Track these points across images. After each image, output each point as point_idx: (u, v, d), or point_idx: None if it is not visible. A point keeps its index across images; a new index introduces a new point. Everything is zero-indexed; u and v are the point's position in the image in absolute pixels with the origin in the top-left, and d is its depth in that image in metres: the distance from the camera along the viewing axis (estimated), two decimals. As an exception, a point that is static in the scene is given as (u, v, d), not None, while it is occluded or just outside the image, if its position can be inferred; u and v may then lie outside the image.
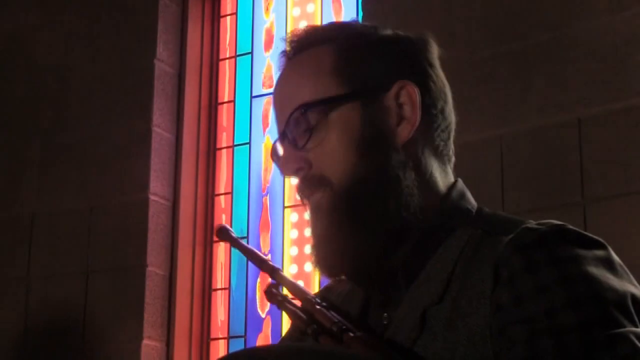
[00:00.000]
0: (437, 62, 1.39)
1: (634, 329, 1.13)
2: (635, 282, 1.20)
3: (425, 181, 1.32)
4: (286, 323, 3.61)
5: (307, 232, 3.58)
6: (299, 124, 1.31)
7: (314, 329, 1.29)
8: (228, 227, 1.49)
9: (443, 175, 1.36)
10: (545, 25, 3.12)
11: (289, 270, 3.60)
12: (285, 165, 1.34)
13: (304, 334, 1.32)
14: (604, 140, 2.97)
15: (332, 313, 1.30)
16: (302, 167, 1.32)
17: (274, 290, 1.40)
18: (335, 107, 1.31)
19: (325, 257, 1.32)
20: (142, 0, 3.95)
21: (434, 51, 1.39)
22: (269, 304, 3.65)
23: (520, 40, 3.14)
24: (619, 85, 2.96)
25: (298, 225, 3.67)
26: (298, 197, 1.36)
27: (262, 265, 1.43)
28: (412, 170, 1.31)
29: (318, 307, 1.32)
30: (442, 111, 1.36)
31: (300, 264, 3.53)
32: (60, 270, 3.81)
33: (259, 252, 1.46)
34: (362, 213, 1.28)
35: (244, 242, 1.48)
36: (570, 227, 1.24)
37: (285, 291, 1.40)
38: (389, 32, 1.39)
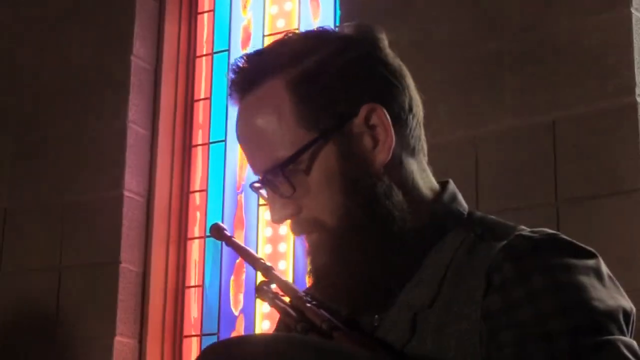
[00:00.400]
0: (389, 55, 1.34)
1: (622, 337, 1.14)
2: (624, 293, 1.20)
3: (410, 190, 1.31)
4: (260, 322, 3.61)
5: (282, 230, 3.59)
6: (277, 178, 1.29)
7: (303, 326, 1.29)
8: (222, 225, 1.48)
9: (423, 175, 1.35)
10: (520, 26, 3.13)
11: (263, 268, 3.60)
12: (275, 214, 1.32)
13: (293, 331, 1.32)
14: (578, 142, 2.98)
15: (322, 311, 1.30)
16: (292, 214, 1.31)
17: (265, 287, 1.40)
18: (309, 154, 1.28)
19: (328, 291, 1.32)
20: (119, -4, 3.94)
21: (385, 46, 1.34)
22: (242, 302, 3.66)
23: (494, 41, 3.15)
24: (593, 87, 2.97)
25: (272, 224, 3.66)
26: (293, 234, 1.36)
27: (256, 263, 1.43)
28: (397, 188, 1.30)
29: (309, 305, 1.32)
30: (410, 108, 1.34)
31: (274, 262, 3.52)
32: (32, 266, 3.79)
33: (252, 251, 1.47)
34: (361, 247, 1.27)
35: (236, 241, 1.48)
36: (563, 236, 1.24)
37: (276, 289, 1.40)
38: (332, 37, 1.34)
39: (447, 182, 1.37)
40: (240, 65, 1.33)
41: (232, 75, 1.33)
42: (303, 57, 1.30)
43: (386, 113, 1.29)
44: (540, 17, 3.10)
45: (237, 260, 3.73)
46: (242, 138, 1.35)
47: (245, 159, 1.37)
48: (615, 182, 2.89)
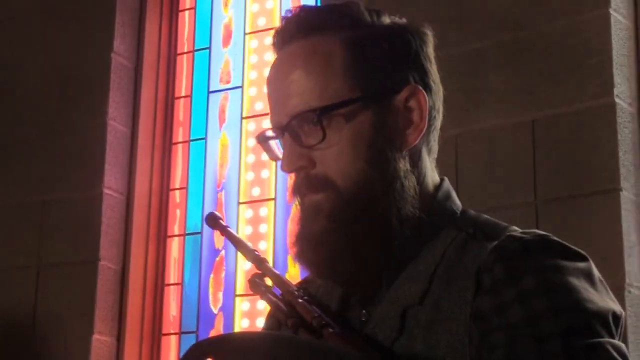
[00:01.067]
0: (433, 57, 1.38)
1: (611, 340, 1.14)
2: (612, 296, 1.21)
3: (420, 183, 1.32)
4: (239, 320, 3.61)
5: (262, 228, 3.59)
6: (307, 123, 1.27)
7: (293, 321, 1.28)
8: (218, 214, 1.47)
9: (433, 175, 1.37)
10: (500, 26, 3.14)
11: (243, 267, 3.60)
12: (288, 161, 1.30)
13: (284, 326, 1.31)
14: (557, 141, 2.99)
15: (314, 307, 1.30)
16: (305, 166, 1.29)
17: (257, 280, 1.39)
18: (346, 110, 1.27)
19: (316, 258, 1.30)
20: (99, -8, 3.92)
21: (432, 43, 1.38)
22: (221, 300, 3.65)
23: (474, 41, 3.16)
24: (572, 88, 2.98)
25: (252, 222, 3.67)
26: (293, 194, 1.33)
27: (249, 255, 1.42)
28: (413, 175, 1.30)
29: (300, 300, 1.31)
30: (439, 111, 1.37)
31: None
32: (11, 264, 3.77)
33: (246, 242, 1.45)
34: (364, 219, 1.27)
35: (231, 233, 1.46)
36: (554, 238, 1.24)
37: (269, 282, 1.39)
38: (388, 20, 1.37)
39: (442, 180, 1.38)
40: (297, 13, 1.33)
41: (284, 22, 1.33)
42: (363, 25, 1.33)
43: (427, 99, 1.32)
44: (520, 17, 3.11)
45: (217, 258, 3.73)
46: (279, 81, 1.32)
47: (269, 107, 1.35)
48: (594, 182, 2.90)
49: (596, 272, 1.22)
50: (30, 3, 4.02)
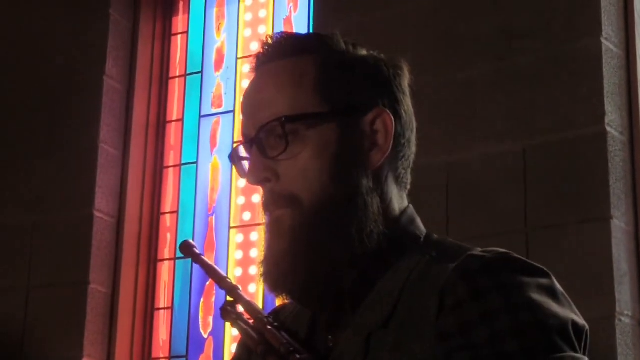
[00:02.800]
0: (407, 90, 1.40)
1: (574, 354, 1.16)
2: (576, 310, 1.22)
3: (385, 207, 1.33)
4: (229, 345, 3.59)
5: (252, 253, 3.59)
6: (273, 133, 1.30)
7: (263, 348, 1.29)
8: (192, 242, 1.49)
9: (400, 202, 1.37)
10: (492, 53, 3.15)
11: (233, 291, 3.59)
12: (252, 173, 1.32)
13: (254, 353, 1.32)
14: (548, 169, 3.00)
15: (283, 334, 1.31)
16: (269, 179, 1.31)
17: (229, 308, 1.40)
18: (314, 124, 1.30)
19: (276, 274, 1.31)
20: (93, 16, 3.93)
21: (407, 78, 1.40)
22: (211, 324, 3.64)
23: (466, 69, 3.18)
24: (563, 116, 3.00)
25: (243, 246, 3.66)
26: (264, 212, 1.35)
27: (222, 282, 1.43)
28: (377, 196, 1.31)
29: (269, 327, 1.32)
30: (409, 141, 1.38)
31: (244, 285, 3.51)
32: (0, 285, 3.76)
33: (219, 270, 1.46)
34: (326, 236, 1.28)
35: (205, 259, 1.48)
36: (514, 255, 1.26)
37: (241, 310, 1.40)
38: (364, 52, 1.40)
39: (407, 206, 1.39)
40: (278, 38, 1.37)
41: (264, 46, 1.36)
42: (338, 51, 1.35)
43: (394, 123, 1.33)
44: (511, 45, 3.13)
45: (207, 283, 3.72)
46: (251, 95, 1.35)
47: (229, 158, 1.37)
48: (585, 210, 2.91)
49: (558, 287, 1.23)
50: (24, 23, 4.03)
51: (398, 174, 1.36)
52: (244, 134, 1.36)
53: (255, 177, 1.33)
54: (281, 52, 1.35)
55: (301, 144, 1.30)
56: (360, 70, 1.35)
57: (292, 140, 1.29)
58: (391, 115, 1.33)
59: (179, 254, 3.78)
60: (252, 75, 1.39)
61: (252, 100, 1.35)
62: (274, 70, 1.35)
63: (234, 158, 1.39)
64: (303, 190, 1.29)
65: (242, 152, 1.37)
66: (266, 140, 1.31)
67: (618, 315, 2.80)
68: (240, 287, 1.43)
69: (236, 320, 1.38)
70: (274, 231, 1.32)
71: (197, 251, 1.48)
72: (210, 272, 1.45)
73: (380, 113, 1.33)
